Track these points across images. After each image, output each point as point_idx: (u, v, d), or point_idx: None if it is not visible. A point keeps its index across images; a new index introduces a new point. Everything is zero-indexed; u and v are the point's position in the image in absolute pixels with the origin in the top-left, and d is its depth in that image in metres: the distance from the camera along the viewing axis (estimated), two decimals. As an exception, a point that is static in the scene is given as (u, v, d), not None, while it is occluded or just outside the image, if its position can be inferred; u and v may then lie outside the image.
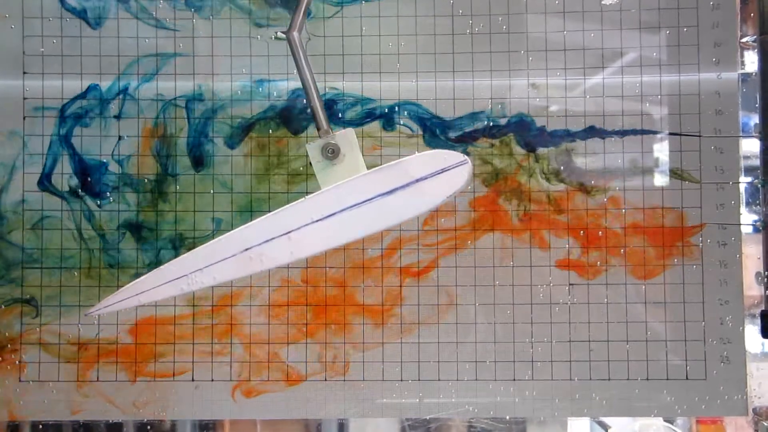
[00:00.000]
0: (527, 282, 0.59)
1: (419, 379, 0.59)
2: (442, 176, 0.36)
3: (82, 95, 0.61)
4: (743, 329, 0.58)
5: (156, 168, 0.60)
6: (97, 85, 0.61)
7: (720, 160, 0.58)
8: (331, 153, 0.42)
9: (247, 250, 0.36)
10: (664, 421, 0.62)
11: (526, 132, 0.59)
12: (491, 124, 0.60)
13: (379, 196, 0.36)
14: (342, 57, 0.60)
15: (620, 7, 0.59)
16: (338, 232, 0.36)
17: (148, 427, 0.61)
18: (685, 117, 0.59)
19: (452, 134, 0.59)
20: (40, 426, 0.60)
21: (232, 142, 0.61)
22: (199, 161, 0.61)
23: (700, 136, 0.58)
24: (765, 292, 0.56)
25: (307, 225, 0.36)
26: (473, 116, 0.60)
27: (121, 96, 0.61)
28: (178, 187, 0.60)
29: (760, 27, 0.56)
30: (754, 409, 0.59)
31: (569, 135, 0.59)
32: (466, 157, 0.36)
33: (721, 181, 0.58)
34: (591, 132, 0.59)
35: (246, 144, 0.60)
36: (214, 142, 0.61)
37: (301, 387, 0.59)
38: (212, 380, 0.60)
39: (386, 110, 0.60)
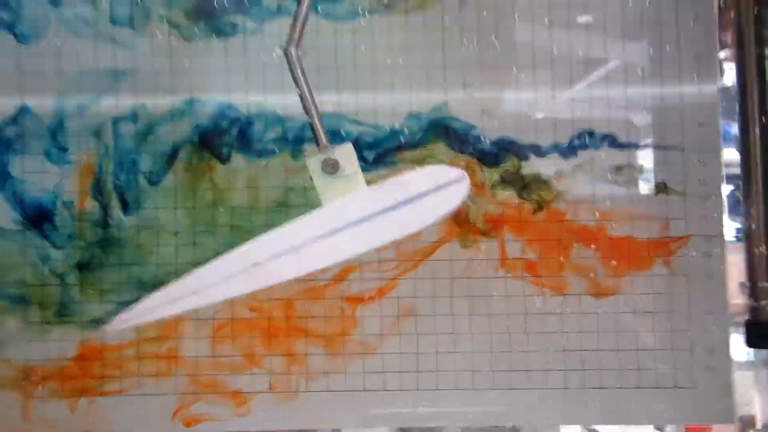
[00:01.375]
0: (521, 293, 0.60)
1: (417, 389, 0.60)
2: (442, 191, 0.38)
3: (12, 119, 0.60)
4: (728, 338, 0.60)
5: (95, 206, 0.60)
6: (28, 106, 0.60)
7: (703, 172, 0.60)
8: (331, 167, 0.44)
9: (255, 265, 0.37)
10: (654, 428, 0.63)
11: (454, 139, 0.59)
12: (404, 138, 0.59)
13: (382, 211, 0.38)
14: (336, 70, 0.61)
15: (604, 22, 0.61)
16: (343, 247, 0.38)
17: None
18: (668, 129, 0.60)
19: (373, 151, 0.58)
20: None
21: (154, 177, 0.60)
22: (125, 203, 0.60)
23: (683, 149, 0.60)
24: (748, 302, 0.57)
25: (313, 240, 0.38)
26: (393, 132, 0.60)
27: (57, 119, 0.60)
28: (121, 231, 0.60)
29: (737, 42, 0.58)
30: (740, 417, 0.61)
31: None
32: (464, 172, 0.38)
33: (705, 194, 0.60)
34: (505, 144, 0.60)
35: (173, 175, 0.60)
36: (143, 175, 0.60)
37: (298, 398, 0.60)
38: (215, 393, 0.61)
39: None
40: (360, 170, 0.43)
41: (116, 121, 0.61)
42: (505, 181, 0.60)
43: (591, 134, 0.61)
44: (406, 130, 0.59)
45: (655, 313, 0.60)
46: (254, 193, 0.59)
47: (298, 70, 0.44)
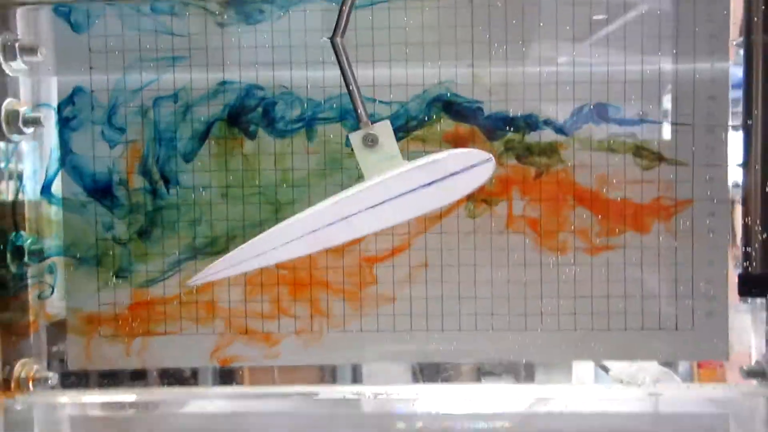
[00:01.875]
0: (537, 246, 0.66)
1: (442, 330, 0.67)
2: (471, 171, 0.43)
3: (69, 99, 0.66)
4: (727, 286, 0.65)
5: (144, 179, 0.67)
6: (82, 87, 0.66)
7: (710, 140, 0.65)
8: (371, 142, 0.49)
9: (313, 231, 0.44)
10: (659, 364, 0.69)
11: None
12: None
13: (420, 187, 0.44)
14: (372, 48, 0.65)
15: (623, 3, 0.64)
16: (388, 216, 0.44)
17: (170, 371, 0.69)
18: (681, 102, 0.65)
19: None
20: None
21: (188, 153, 0.66)
22: (166, 179, 0.66)
23: (692, 124, 0.65)
24: (742, 258, 0.63)
25: (362, 211, 0.44)
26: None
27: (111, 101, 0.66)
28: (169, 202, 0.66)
29: (745, 28, 0.62)
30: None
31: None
32: (491, 155, 0.44)
33: (711, 161, 0.65)
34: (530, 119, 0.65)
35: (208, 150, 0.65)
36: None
37: (324, 338, 0.67)
38: (262, 330, 0.68)
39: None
40: (396, 145, 0.48)
41: (157, 101, 0.66)
42: (509, 150, 0.65)
43: (601, 107, 0.65)
44: (412, 107, 0.65)
45: (661, 264, 0.66)
46: (281, 163, 0.66)
47: (344, 57, 0.49)
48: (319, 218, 0.44)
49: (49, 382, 0.68)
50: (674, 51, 0.65)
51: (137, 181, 0.67)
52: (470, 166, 0.43)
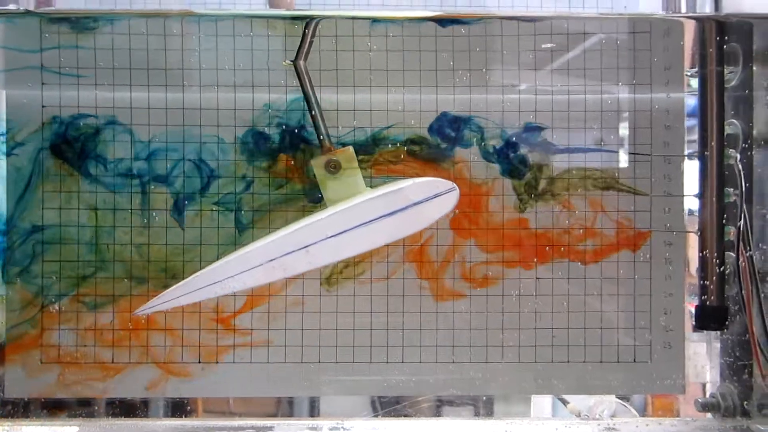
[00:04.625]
0: (500, 276, 0.66)
1: (402, 362, 0.66)
2: (435, 200, 0.43)
3: None
4: (683, 319, 0.66)
5: None
6: None
7: (667, 169, 0.65)
8: (334, 168, 0.48)
9: (271, 260, 0.42)
10: (616, 397, 0.69)
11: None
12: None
13: (382, 216, 0.43)
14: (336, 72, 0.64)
15: (583, 29, 0.65)
16: (348, 246, 0.43)
17: (117, 401, 0.65)
18: (639, 131, 0.65)
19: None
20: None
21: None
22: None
23: (650, 155, 0.65)
24: (699, 291, 0.63)
25: (322, 240, 0.43)
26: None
27: None
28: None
29: (700, 61, 0.63)
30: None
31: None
32: (454, 184, 0.43)
33: (668, 191, 0.65)
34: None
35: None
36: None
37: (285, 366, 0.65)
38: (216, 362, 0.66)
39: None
40: (359, 169, 0.47)
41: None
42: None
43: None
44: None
45: (619, 295, 0.66)
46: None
47: (307, 82, 0.48)
48: (278, 247, 0.43)
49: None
50: (633, 81, 0.65)
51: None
52: (434, 196, 0.43)
